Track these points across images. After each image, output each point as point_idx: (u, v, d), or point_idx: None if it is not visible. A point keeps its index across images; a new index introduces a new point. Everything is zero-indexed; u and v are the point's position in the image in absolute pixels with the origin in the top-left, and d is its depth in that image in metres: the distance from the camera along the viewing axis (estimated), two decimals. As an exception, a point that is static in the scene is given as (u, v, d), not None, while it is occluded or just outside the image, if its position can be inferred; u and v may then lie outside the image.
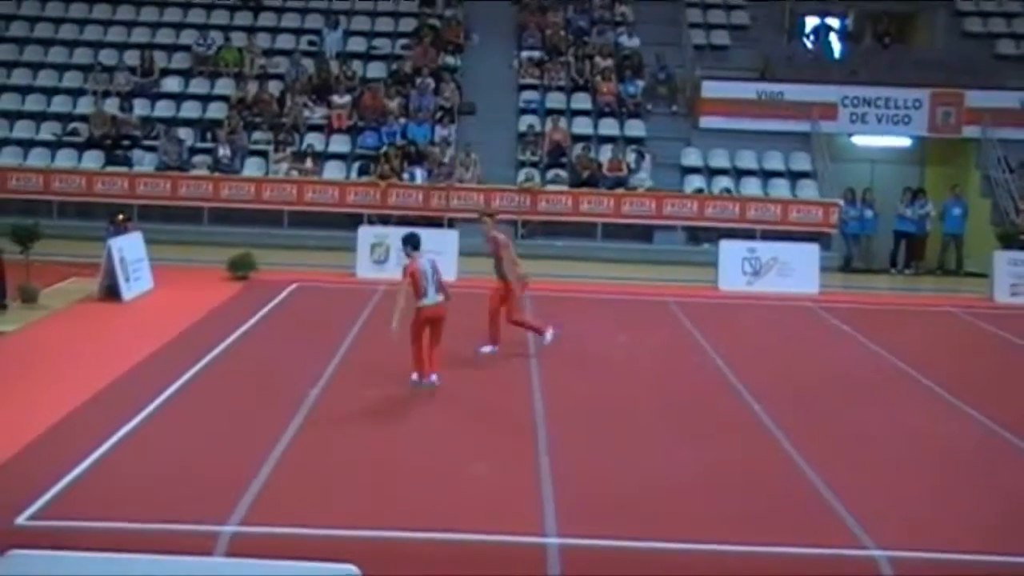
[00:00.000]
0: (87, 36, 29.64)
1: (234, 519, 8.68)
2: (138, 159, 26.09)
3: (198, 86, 28.20)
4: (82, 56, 28.97)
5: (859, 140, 28.25)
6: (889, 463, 11.01)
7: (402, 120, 26.87)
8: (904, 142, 28.39)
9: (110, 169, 25.69)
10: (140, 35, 29.69)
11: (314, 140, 26.71)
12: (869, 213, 25.71)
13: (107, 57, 28.78)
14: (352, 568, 6.91)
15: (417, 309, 12.84)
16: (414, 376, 13.01)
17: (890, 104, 27.28)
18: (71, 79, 28.29)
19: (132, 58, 28.55)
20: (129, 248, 18.63)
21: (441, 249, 21.38)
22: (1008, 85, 27.84)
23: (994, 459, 11.40)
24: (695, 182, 26.25)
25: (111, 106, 26.97)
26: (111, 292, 17.89)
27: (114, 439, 10.61)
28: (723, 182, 26.28)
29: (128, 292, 18.06)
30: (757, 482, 10.25)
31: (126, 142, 26.35)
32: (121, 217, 20.92)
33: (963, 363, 15.87)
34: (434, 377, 13.02)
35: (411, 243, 13.09)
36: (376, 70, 28.89)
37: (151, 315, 17.30)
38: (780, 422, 12.10)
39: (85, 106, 27.25)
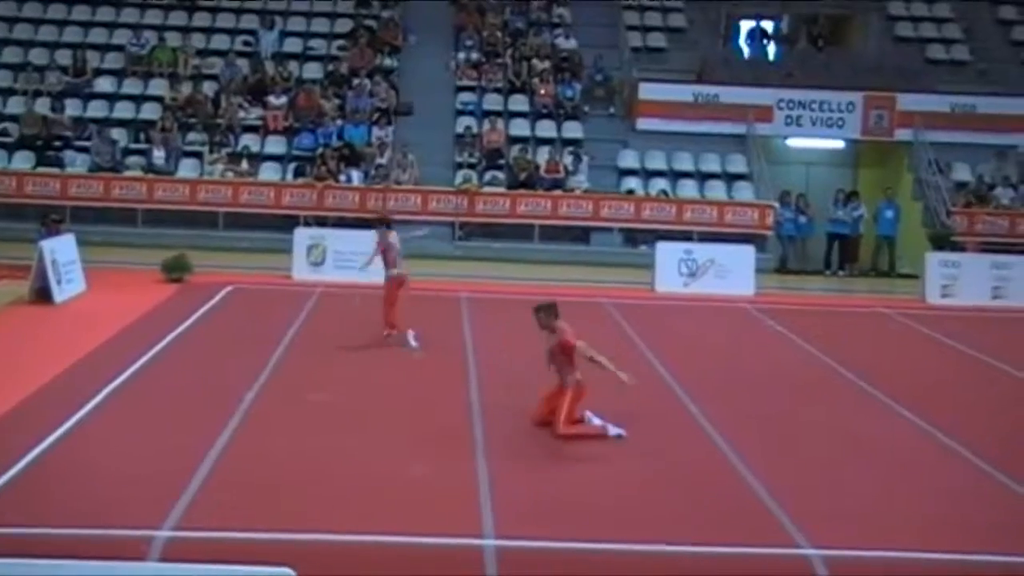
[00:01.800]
0: (17, 35, 29.18)
1: (169, 523, 8.58)
2: (70, 160, 25.76)
3: (131, 86, 27.90)
4: (12, 55, 28.54)
5: (794, 142, 28.54)
6: (823, 463, 11.12)
7: (339, 121, 26.75)
8: (838, 144, 28.72)
9: (41, 170, 25.34)
10: (72, 34, 29.32)
11: (249, 141, 26.52)
12: (803, 219, 25.96)
13: (38, 56, 28.40)
14: (288, 571, 6.87)
15: None
16: None
17: (824, 107, 27.58)
18: (0, 78, 27.85)
19: (64, 57, 28.21)
20: (61, 250, 18.38)
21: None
22: (939, 89, 28.27)
23: (926, 458, 11.54)
24: (632, 184, 26.37)
25: (42, 106, 26.62)
26: (43, 295, 17.64)
27: (46, 443, 10.44)
28: (660, 184, 26.42)
29: (60, 295, 17.83)
30: (692, 482, 10.31)
31: (58, 143, 26.01)
32: (53, 218, 20.66)
33: (896, 363, 16.06)
34: None
35: None
36: (312, 71, 28.74)
37: (84, 318, 17.08)
38: (716, 422, 12.18)
39: (16, 106, 26.87)
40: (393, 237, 16.02)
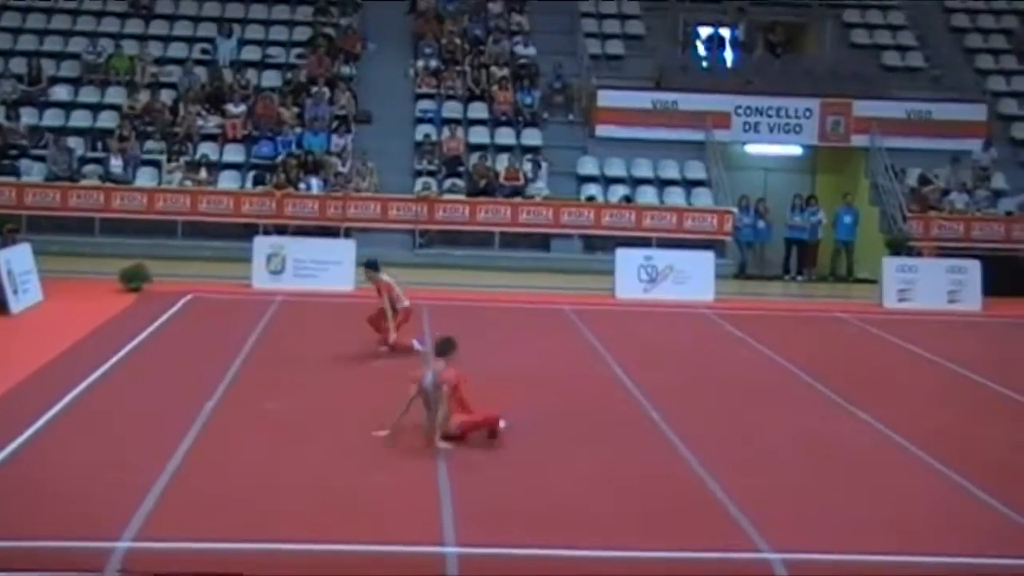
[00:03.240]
0: (-29, 44, 28.95)
1: (127, 535, 8.52)
2: (26, 169, 25.57)
3: (88, 95, 27.69)
4: (-34, 64, 28.29)
5: (752, 149, 28.72)
6: (783, 466, 11.18)
7: (297, 129, 26.68)
8: (796, 151, 28.92)
9: (-3, 179, 25.15)
10: (27, 42, 29.07)
11: (208, 149, 26.38)
12: (762, 224, 26.10)
13: (-8, 65, 28.17)
14: (248, 582, 6.85)
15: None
16: None
17: (781, 113, 27.79)
18: (-45, 87, 27.60)
19: (19, 66, 27.94)
20: (17, 260, 18.24)
21: (338, 259, 21.38)
22: (894, 95, 28.53)
23: (885, 460, 11.63)
24: (591, 191, 26.44)
25: (-4, 115, 26.41)
26: (-2, 305, 17.51)
27: (2, 455, 10.35)
28: (619, 191, 26.51)
29: (16, 305, 17.69)
30: (653, 487, 10.34)
31: (13, 152, 25.78)
32: (9, 227, 20.50)
33: (854, 367, 16.18)
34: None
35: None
36: (271, 79, 28.65)
37: (41, 328, 16.95)
38: (676, 427, 12.23)
39: (-30, 115, 26.63)
40: (385, 276, 16.06)
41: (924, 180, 26.90)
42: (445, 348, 11.54)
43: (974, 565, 8.78)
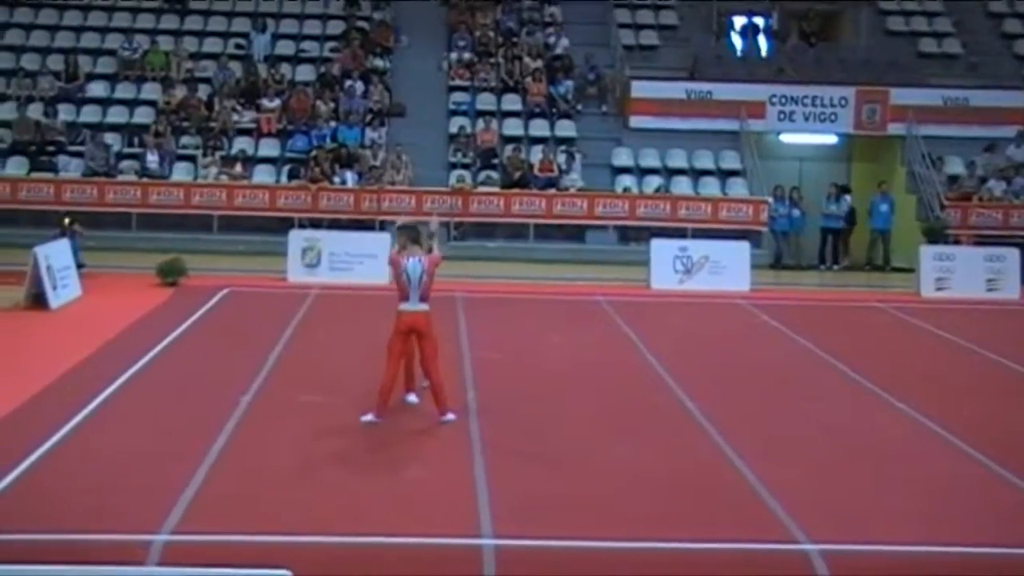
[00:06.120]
0: (8, 40, 29.10)
1: (167, 527, 8.60)
2: (64, 165, 25.74)
3: (124, 91, 27.85)
4: (3, 61, 28.45)
5: (787, 138, 28.55)
6: (820, 457, 11.14)
7: (332, 123, 26.75)
8: (831, 139, 28.74)
9: (35, 175, 25.33)
10: (64, 39, 29.27)
11: (243, 144, 26.50)
12: (797, 213, 25.95)
13: (30, 62, 28.33)
14: (287, 573, 6.88)
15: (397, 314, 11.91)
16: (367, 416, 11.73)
17: (817, 102, 27.61)
18: (-7, 85, 27.85)
19: (56, 63, 28.15)
20: (56, 255, 18.40)
21: (373, 252, 21.42)
22: (931, 83, 28.30)
23: (922, 451, 11.57)
24: (626, 182, 26.39)
25: (35, 111, 26.54)
26: (38, 300, 17.65)
27: (43, 449, 10.45)
28: (654, 181, 26.44)
29: (56, 300, 17.83)
30: (690, 478, 10.32)
31: (51, 148, 25.97)
32: (71, 220, 20.73)
33: (891, 357, 16.09)
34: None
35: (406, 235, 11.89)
36: (305, 73, 28.74)
37: (79, 323, 17.08)
38: (713, 418, 12.20)
39: (8, 112, 26.75)
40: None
41: (967, 168, 26.65)
42: (418, 234, 12.01)
43: (1013, 556, 8.73)
